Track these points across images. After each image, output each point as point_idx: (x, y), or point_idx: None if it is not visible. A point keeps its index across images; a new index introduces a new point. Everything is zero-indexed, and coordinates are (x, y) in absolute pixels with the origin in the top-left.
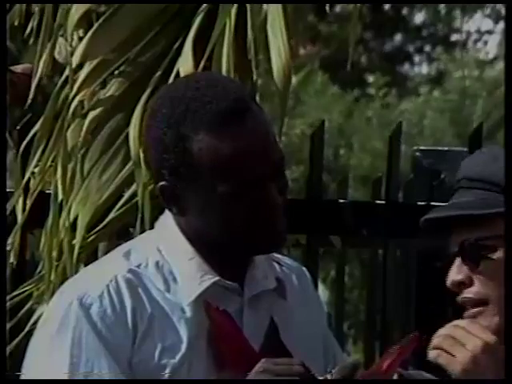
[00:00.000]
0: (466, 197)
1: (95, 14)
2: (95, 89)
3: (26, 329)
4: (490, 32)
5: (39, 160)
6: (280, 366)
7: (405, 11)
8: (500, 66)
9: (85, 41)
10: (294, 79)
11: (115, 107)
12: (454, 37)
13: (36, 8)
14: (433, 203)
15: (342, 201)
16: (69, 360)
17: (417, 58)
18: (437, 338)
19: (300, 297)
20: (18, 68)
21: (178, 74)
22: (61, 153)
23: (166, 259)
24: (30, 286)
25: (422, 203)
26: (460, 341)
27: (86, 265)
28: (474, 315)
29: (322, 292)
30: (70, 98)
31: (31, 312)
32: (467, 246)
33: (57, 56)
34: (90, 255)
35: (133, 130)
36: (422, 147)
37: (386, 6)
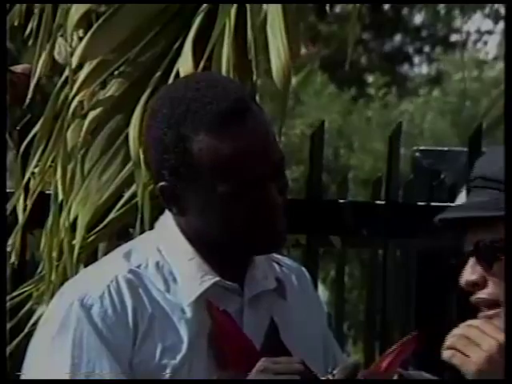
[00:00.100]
0: (481, 197)
1: (95, 14)
2: (95, 89)
3: (26, 329)
4: (489, 32)
5: (39, 160)
6: (280, 364)
7: (404, 11)
8: (500, 66)
9: (84, 41)
10: (293, 79)
11: (115, 107)
12: (454, 37)
13: (36, 9)
14: (433, 203)
15: (341, 201)
16: (70, 361)
17: (416, 58)
18: (451, 338)
19: (300, 297)
20: (18, 68)
21: (177, 74)
22: (61, 153)
23: (166, 259)
24: (30, 287)
25: (422, 203)
26: (474, 341)
27: (86, 265)
28: (490, 317)
29: (322, 292)
30: (70, 98)
31: (31, 312)
32: (482, 246)
33: (57, 56)
34: (89, 255)
35: (133, 131)
36: (421, 147)
37: (386, 6)
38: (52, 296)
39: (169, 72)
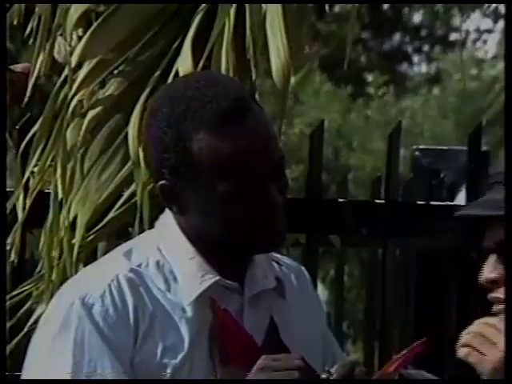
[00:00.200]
0: (501, 193)
1: (94, 13)
2: (94, 88)
3: (26, 328)
4: (489, 31)
5: (39, 159)
6: (279, 361)
7: (403, 11)
8: (499, 64)
9: (84, 40)
10: (292, 79)
11: (114, 107)
12: (453, 36)
13: (36, 8)
14: (432, 202)
15: (341, 200)
16: (71, 360)
17: (415, 58)
18: (466, 335)
19: (299, 296)
20: (18, 67)
21: (177, 73)
22: (60, 152)
23: (167, 259)
24: (29, 286)
25: (422, 202)
26: (491, 339)
27: (85, 264)
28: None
29: (322, 291)
30: (69, 97)
31: (31, 311)
32: (503, 245)
33: (56, 55)
34: (89, 254)
35: (132, 130)
36: (421, 146)
37: (385, 6)
38: (51, 295)
39: (168, 71)
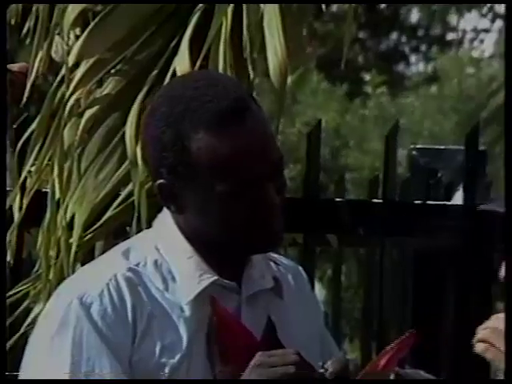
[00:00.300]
0: None
1: (91, 13)
2: (91, 88)
3: (23, 328)
4: (486, 30)
5: (36, 159)
6: (275, 356)
7: (400, 10)
8: (496, 63)
9: (81, 40)
10: (289, 78)
11: (111, 106)
12: (450, 36)
13: (33, 8)
14: (429, 202)
15: (338, 200)
16: (70, 359)
17: (413, 57)
18: (483, 331)
19: (296, 296)
20: (15, 67)
21: (174, 72)
22: (57, 152)
23: (165, 258)
24: (26, 285)
25: (419, 202)
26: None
27: (82, 264)
28: None
29: (319, 291)
30: (67, 96)
31: (28, 311)
32: None
33: (53, 55)
34: (86, 254)
35: (129, 129)
36: (418, 146)
37: (382, 5)
38: (49, 295)
39: (165, 70)
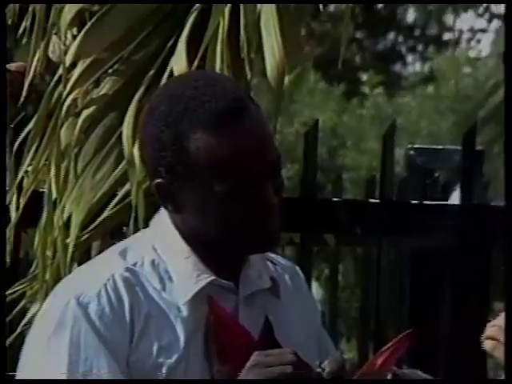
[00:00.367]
0: None
1: (88, 12)
2: (88, 87)
3: (20, 328)
4: (483, 30)
5: (33, 159)
6: (272, 356)
7: (397, 10)
8: (493, 63)
9: (78, 40)
10: (286, 78)
11: (108, 106)
12: (447, 35)
13: (30, 8)
14: (426, 202)
15: (335, 199)
16: (67, 359)
17: (410, 57)
18: (491, 328)
19: (294, 296)
20: (12, 66)
21: (171, 72)
22: (54, 151)
23: (162, 258)
24: (23, 285)
25: (416, 202)
26: None
27: (79, 264)
28: None
29: (316, 290)
30: (64, 96)
31: (24, 311)
32: None
33: (50, 55)
34: (83, 254)
35: (126, 129)
36: (415, 146)
37: (379, 5)
38: (46, 295)
39: (162, 70)
